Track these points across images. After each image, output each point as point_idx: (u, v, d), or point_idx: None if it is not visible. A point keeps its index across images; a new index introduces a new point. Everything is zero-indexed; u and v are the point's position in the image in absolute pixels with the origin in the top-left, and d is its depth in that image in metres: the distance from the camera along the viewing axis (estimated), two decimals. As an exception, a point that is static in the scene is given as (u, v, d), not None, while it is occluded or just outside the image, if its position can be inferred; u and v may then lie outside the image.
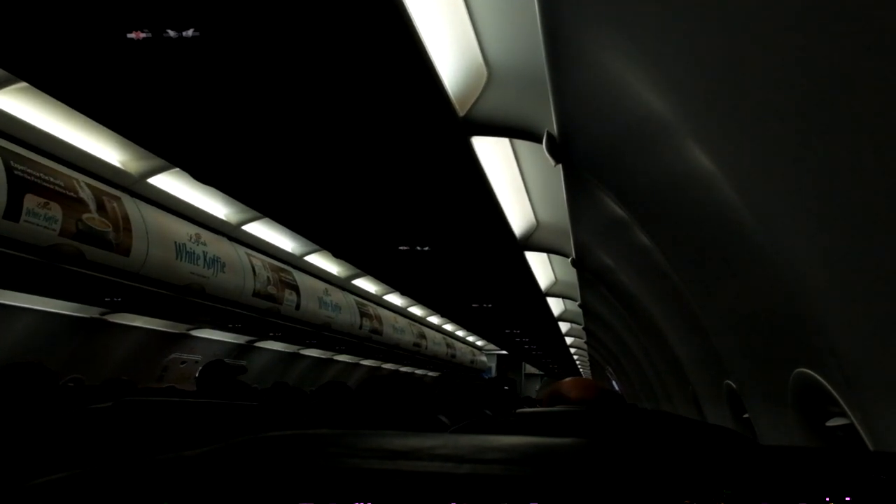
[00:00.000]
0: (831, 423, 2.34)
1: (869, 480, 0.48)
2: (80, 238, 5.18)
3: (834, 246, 1.49)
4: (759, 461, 0.50)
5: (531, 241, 6.13)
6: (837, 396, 1.92)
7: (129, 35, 2.58)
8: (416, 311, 15.08)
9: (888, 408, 1.59)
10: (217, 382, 3.97)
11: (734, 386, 3.32)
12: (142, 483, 0.51)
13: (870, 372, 1.62)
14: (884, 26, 0.98)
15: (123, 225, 5.70)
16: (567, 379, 2.51)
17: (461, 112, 3.35)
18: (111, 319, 8.45)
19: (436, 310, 14.36)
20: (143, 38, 2.60)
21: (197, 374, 4.14)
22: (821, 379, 2.02)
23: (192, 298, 7.10)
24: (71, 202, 5.08)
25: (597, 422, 1.75)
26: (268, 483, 0.49)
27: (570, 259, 5.63)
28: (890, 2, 0.94)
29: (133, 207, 5.91)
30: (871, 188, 1.24)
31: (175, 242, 6.50)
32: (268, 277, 8.25)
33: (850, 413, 1.88)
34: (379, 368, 16.87)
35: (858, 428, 1.82)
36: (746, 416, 3.24)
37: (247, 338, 11.42)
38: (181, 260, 6.57)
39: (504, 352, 23.71)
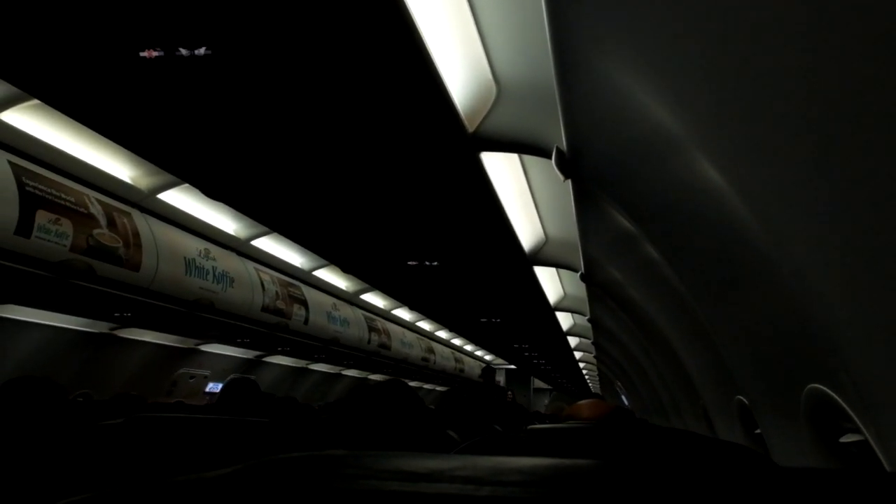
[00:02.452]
0: (845, 439, 2.32)
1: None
2: (90, 254, 5.21)
3: (846, 260, 1.49)
4: (780, 484, 0.50)
5: (540, 255, 6.13)
6: (851, 413, 1.91)
7: (142, 53, 2.61)
8: (425, 325, 15.07)
9: (903, 424, 1.58)
10: (241, 398, 3.91)
11: (745, 401, 3.30)
12: (162, 504, 0.51)
13: (884, 388, 1.61)
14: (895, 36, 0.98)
15: (133, 240, 5.73)
16: (582, 401, 2.51)
17: (470, 128, 3.36)
18: (120, 334, 8.48)
19: (444, 324, 14.36)
20: (156, 57, 2.62)
21: (222, 387, 4.07)
22: (834, 395, 2.00)
23: (202, 313, 7.13)
24: (82, 218, 5.12)
25: (608, 438, 1.75)
26: (288, 504, 0.49)
27: (578, 274, 5.62)
28: None
29: (143, 223, 5.95)
30: (884, 202, 1.24)
31: (184, 258, 6.53)
32: (276, 292, 8.27)
33: (864, 430, 1.86)
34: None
35: (873, 445, 1.81)
36: (758, 431, 3.22)
37: (255, 353, 11.44)
38: (190, 275, 6.60)
39: (510, 366, 23.65)
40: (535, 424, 1.88)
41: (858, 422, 1.88)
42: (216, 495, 0.52)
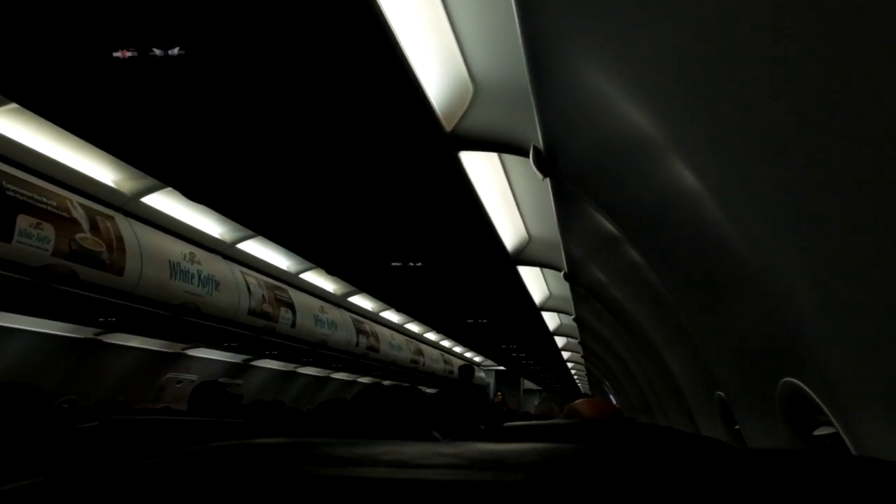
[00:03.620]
0: (819, 431, 2.34)
1: (849, 484, 0.49)
2: (73, 258, 5.18)
3: (815, 260, 1.50)
4: (742, 464, 0.51)
5: (523, 255, 6.14)
6: (822, 405, 1.93)
7: (115, 54, 2.60)
8: (413, 327, 15.07)
9: (869, 415, 1.59)
10: (212, 403, 3.94)
11: (724, 397, 3.32)
12: (97, 492, 0.52)
13: (850, 380, 1.63)
14: (871, 46, 0.99)
15: (117, 244, 5.71)
16: (581, 399, 2.50)
17: (448, 127, 3.36)
18: (106, 340, 8.42)
19: (431, 326, 14.36)
20: (129, 57, 2.62)
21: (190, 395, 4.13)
22: (806, 388, 2.02)
23: (187, 318, 7.10)
24: (64, 222, 5.09)
25: (582, 434, 1.75)
26: (217, 492, 0.49)
27: (562, 273, 5.64)
28: (873, 18, 0.95)
29: (126, 227, 5.92)
30: (852, 204, 1.25)
31: (169, 261, 6.51)
32: (263, 296, 8.24)
33: (834, 422, 1.88)
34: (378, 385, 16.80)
35: (843, 436, 1.83)
36: (738, 427, 3.24)
37: (243, 357, 11.39)
38: (175, 279, 6.57)
39: (500, 367, 23.65)
40: (512, 422, 1.88)
41: (829, 414, 1.90)
42: (151, 482, 0.52)
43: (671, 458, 0.52)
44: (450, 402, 5.22)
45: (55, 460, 1.92)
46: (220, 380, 10.87)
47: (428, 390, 20.09)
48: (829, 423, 2.02)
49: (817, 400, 1.95)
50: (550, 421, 2.17)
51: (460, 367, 6.83)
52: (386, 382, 16.46)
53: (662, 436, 1.55)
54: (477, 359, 22.25)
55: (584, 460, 0.52)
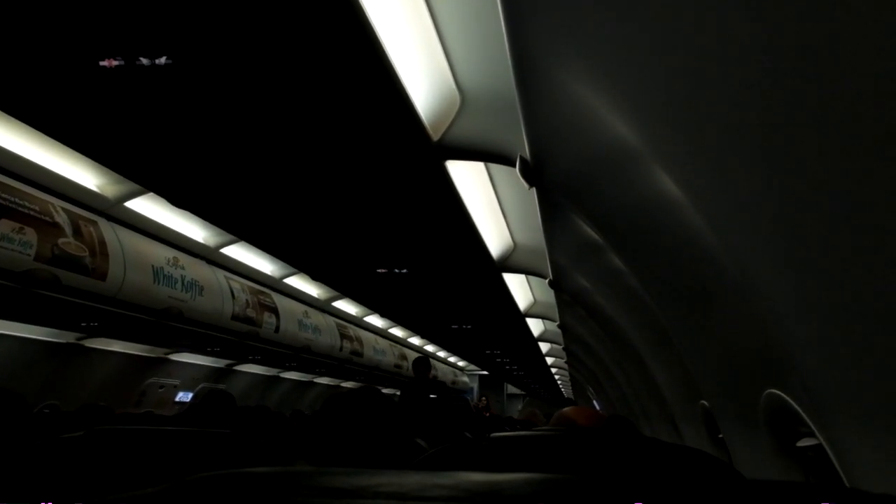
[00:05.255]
0: (802, 443, 2.36)
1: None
2: (55, 263, 5.14)
3: (798, 272, 1.51)
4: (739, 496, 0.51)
5: (508, 262, 6.15)
6: (805, 417, 1.95)
7: (102, 63, 2.59)
8: (397, 332, 15.04)
9: (852, 428, 1.61)
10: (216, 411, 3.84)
11: (708, 406, 3.34)
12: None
13: (833, 393, 1.64)
14: (846, 56, 1.00)
15: (100, 249, 5.66)
16: (570, 408, 2.50)
17: (435, 137, 3.37)
18: (88, 344, 8.36)
19: (416, 331, 14.34)
20: (116, 66, 2.60)
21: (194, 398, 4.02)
22: (789, 400, 2.04)
23: (170, 322, 7.05)
24: (46, 227, 5.05)
25: (569, 446, 1.76)
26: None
27: (547, 280, 5.65)
28: (851, 33, 0.96)
29: (110, 231, 5.88)
30: (835, 215, 1.26)
31: (152, 266, 6.46)
32: (247, 300, 8.21)
33: (818, 433, 1.90)
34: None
35: (826, 448, 1.84)
36: (721, 436, 3.26)
37: (226, 361, 11.33)
38: (159, 284, 6.53)
39: (483, 371, 23.65)
40: (497, 433, 1.88)
41: (812, 426, 1.92)
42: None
43: (675, 493, 0.52)
44: (411, 405, 5.15)
45: (40, 472, 1.90)
46: (203, 384, 10.82)
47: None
48: (812, 435, 2.04)
49: (800, 412, 1.97)
50: (537, 431, 2.18)
51: (414, 361, 6.05)
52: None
53: (656, 453, 1.55)
54: (461, 363, 22.25)
55: (583, 492, 0.52)
